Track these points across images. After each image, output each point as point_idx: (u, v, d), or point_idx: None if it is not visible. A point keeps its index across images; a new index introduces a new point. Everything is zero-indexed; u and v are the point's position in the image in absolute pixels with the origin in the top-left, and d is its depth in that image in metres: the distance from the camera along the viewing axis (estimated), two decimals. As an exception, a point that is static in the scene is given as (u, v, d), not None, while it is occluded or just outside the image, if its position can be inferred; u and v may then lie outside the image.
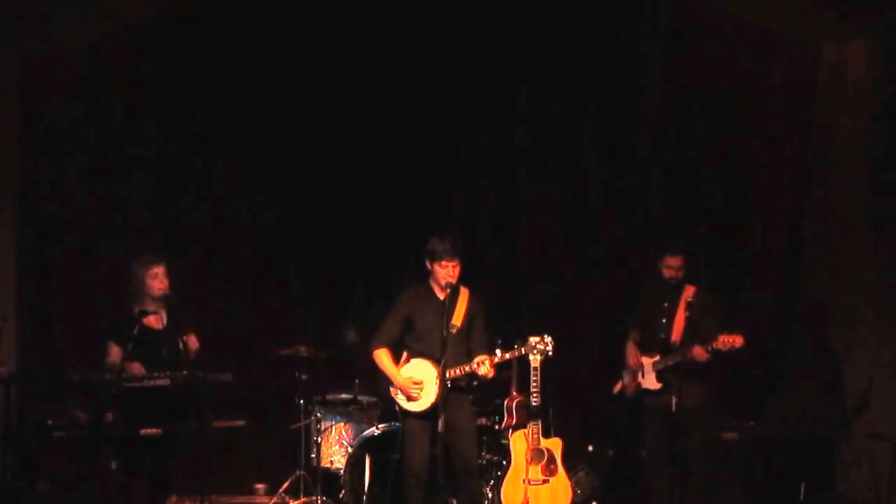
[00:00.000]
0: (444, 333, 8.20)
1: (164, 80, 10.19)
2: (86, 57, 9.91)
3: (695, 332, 8.81)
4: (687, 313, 8.85)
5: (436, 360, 8.25)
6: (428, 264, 8.36)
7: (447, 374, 8.23)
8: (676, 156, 10.29)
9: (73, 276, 9.91)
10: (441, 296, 8.33)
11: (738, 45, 9.99)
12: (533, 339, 8.42)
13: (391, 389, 8.43)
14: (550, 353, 8.44)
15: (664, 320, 8.91)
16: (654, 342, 8.94)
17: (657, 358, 8.89)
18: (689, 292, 8.93)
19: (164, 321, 8.55)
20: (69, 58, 9.82)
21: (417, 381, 8.35)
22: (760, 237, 10.19)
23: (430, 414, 8.25)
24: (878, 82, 9.58)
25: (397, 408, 8.41)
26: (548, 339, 8.42)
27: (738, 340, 8.59)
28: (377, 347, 8.43)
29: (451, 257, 8.30)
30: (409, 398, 8.35)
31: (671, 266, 8.91)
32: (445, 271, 8.30)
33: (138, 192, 10.20)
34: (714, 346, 8.61)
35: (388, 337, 8.43)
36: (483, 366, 8.30)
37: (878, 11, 9.30)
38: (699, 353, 8.68)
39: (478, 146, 10.53)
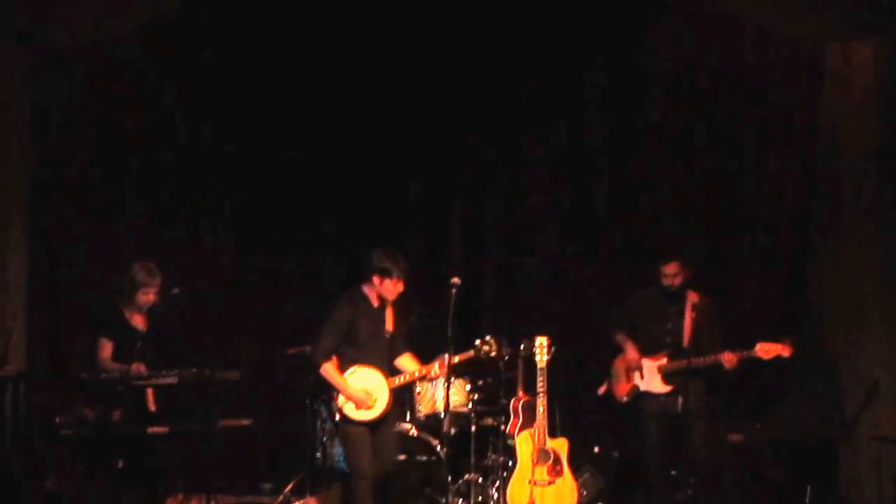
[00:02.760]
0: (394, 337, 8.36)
1: (175, 81, 10.22)
2: (96, 58, 9.94)
3: (701, 338, 8.83)
4: (693, 319, 8.86)
5: (380, 368, 8.35)
6: (376, 278, 8.35)
7: (400, 381, 8.36)
8: (682, 157, 10.28)
9: (81, 276, 9.95)
10: (376, 303, 8.39)
11: (742, 45, 10.00)
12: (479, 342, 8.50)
13: (338, 399, 8.33)
14: (504, 356, 8.59)
15: (670, 324, 8.92)
16: (659, 345, 8.93)
17: (664, 361, 8.89)
18: (693, 298, 8.95)
19: (145, 325, 8.63)
20: (79, 59, 9.85)
21: (370, 392, 8.36)
22: (766, 239, 10.17)
23: (376, 422, 8.34)
24: (884, 82, 9.57)
25: (339, 416, 8.34)
26: (490, 339, 8.48)
27: (786, 350, 8.59)
28: (324, 360, 8.31)
29: (405, 277, 8.37)
30: (360, 407, 8.33)
31: (667, 274, 8.96)
32: (395, 289, 8.36)
33: (148, 193, 10.22)
34: (755, 354, 8.61)
35: (332, 348, 8.34)
36: (433, 369, 8.43)
37: (885, 11, 9.28)
38: (729, 359, 8.67)
39: (482, 154, 10.53)
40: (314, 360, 8.33)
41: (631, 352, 9.04)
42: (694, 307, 8.89)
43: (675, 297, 8.96)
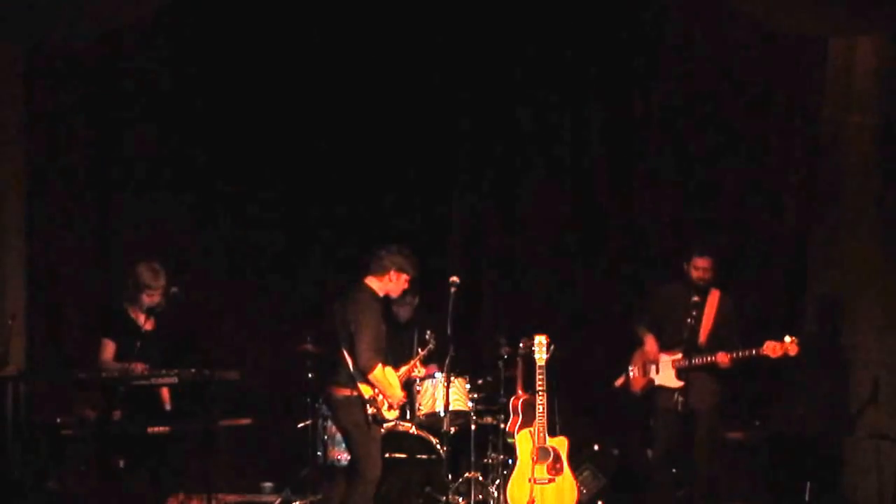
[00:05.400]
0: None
1: (172, 77, 10.22)
2: (92, 54, 9.95)
3: (718, 335, 8.84)
4: (715, 316, 8.86)
5: (392, 365, 8.45)
6: (393, 272, 8.29)
7: (407, 376, 8.67)
8: (682, 154, 10.28)
9: (81, 276, 9.96)
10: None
11: (743, 41, 9.99)
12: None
13: (378, 400, 8.23)
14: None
15: (690, 320, 8.85)
16: (676, 341, 8.90)
17: (679, 356, 8.87)
18: (715, 296, 8.93)
19: (154, 325, 8.64)
20: (75, 56, 9.86)
21: (401, 391, 8.44)
22: (768, 235, 10.18)
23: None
24: (886, 78, 9.56)
25: (372, 417, 8.20)
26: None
27: (792, 349, 8.58)
28: (377, 363, 8.15)
29: (416, 275, 8.42)
30: (393, 408, 8.35)
31: (699, 267, 8.89)
32: (404, 286, 8.39)
33: (147, 192, 10.23)
34: (763, 352, 8.60)
35: (379, 350, 8.22)
36: (418, 369, 8.81)
37: (888, 5, 9.28)
38: (722, 359, 8.69)
39: (481, 152, 10.53)
40: (367, 365, 8.10)
41: (649, 345, 9.01)
42: (717, 304, 8.87)
43: (699, 294, 8.91)
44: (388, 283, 8.32)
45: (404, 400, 8.47)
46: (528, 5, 10.18)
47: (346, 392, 8.19)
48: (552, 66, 10.40)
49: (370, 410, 8.18)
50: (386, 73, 10.29)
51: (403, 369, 8.74)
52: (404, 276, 8.32)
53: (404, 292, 9.48)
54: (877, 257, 9.58)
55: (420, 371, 8.90)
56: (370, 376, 8.15)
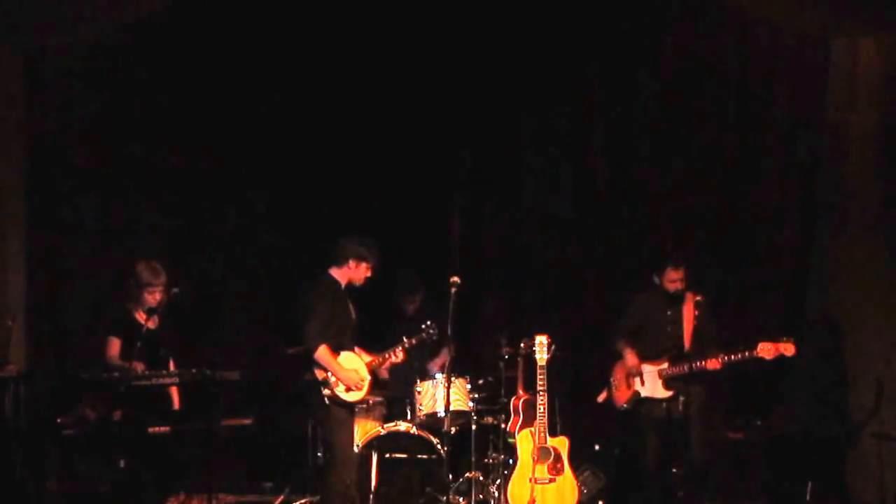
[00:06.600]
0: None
1: (171, 80, 10.22)
2: (93, 57, 9.96)
3: (701, 339, 8.80)
4: (695, 320, 8.82)
5: (355, 351, 8.61)
6: (352, 262, 8.55)
7: (372, 364, 8.70)
8: (682, 156, 10.28)
9: (82, 276, 9.96)
10: (343, 288, 8.59)
11: (746, 41, 9.99)
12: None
13: (331, 382, 8.44)
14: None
15: (669, 328, 8.88)
16: (659, 350, 8.90)
17: (665, 365, 8.87)
18: (692, 298, 8.90)
19: (157, 322, 8.65)
20: (76, 58, 9.88)
21: (359, 373, 8.55)
22: (769, 238, 10.17)
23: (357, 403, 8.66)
24: (889, 78, 9.56)
25: (328, 399, 8.42)
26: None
27: (788, 349, 8.53)
28: (321, 343, 8.40)
29: (376, 263, 8.59)
30: (350, 390, 8.47)
31: (674, 279, 8.92)
32: (366, 273, 8.59)
33: (147, 192, 10.23)
34: (757, 354, 8.55)
35: (323, 331, 8.44)
36: (396, 355, 8.81)
37: (891, 6, 9.27)
38: (713, 365, 8.65)
39: (481, 153, 10.53)
40: (310, 345, 8.39)
41: (630, 358, 9.00)
42: (695, 307, 8.84)
43: (675, 300, 8.93)
44: (349, 272, 8.57)
45: (365, 380, 8.54)
46: (530, 6, 10.18)
47: (309, 377, 8.47)
48: (554, 68, 10.38)
49: (325, 392, 8.40)
50: (386, 73, 10.29)
51: (383, 354, 8.82)
52: (364, 265, 8.57)
53: (409, 289, 9.57)
54: (880, 259, 9.58)
55: (399, 356, 8.89)
56: (315, 356, 8.38)
